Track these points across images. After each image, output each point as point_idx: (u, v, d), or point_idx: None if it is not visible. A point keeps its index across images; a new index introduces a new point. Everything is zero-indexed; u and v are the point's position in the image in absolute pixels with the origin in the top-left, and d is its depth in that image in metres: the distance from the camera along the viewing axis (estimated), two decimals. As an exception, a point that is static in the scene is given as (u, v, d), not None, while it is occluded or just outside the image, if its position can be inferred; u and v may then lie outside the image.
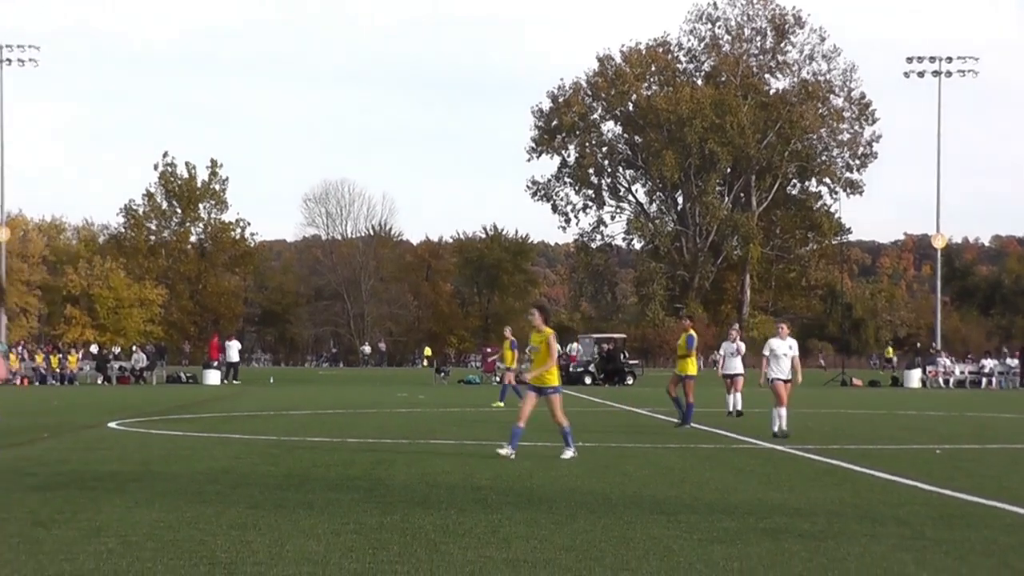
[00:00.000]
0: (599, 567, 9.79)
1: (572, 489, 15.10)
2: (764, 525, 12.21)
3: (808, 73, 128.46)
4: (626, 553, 10.46)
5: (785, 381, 24.29)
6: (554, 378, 19.51)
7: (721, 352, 32.51)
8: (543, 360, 19.39)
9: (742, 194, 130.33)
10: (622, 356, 68.50)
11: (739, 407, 31.30)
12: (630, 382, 64.81)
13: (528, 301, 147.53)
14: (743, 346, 32.71)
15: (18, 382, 66.45)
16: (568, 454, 19.11)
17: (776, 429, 24.05)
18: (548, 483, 15.86)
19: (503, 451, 19.17)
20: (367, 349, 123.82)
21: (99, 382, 68.15)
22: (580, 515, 12.73)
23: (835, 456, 20.00)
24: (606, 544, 10.92)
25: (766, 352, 24.76)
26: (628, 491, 15.04)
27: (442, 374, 70.96)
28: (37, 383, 66.51)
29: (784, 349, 24.55)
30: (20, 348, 77.23)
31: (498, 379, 69.16)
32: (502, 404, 37.43)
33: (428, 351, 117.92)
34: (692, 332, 28.51)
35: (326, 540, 11.00)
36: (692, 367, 27.92)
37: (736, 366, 31.60)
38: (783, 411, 24.14)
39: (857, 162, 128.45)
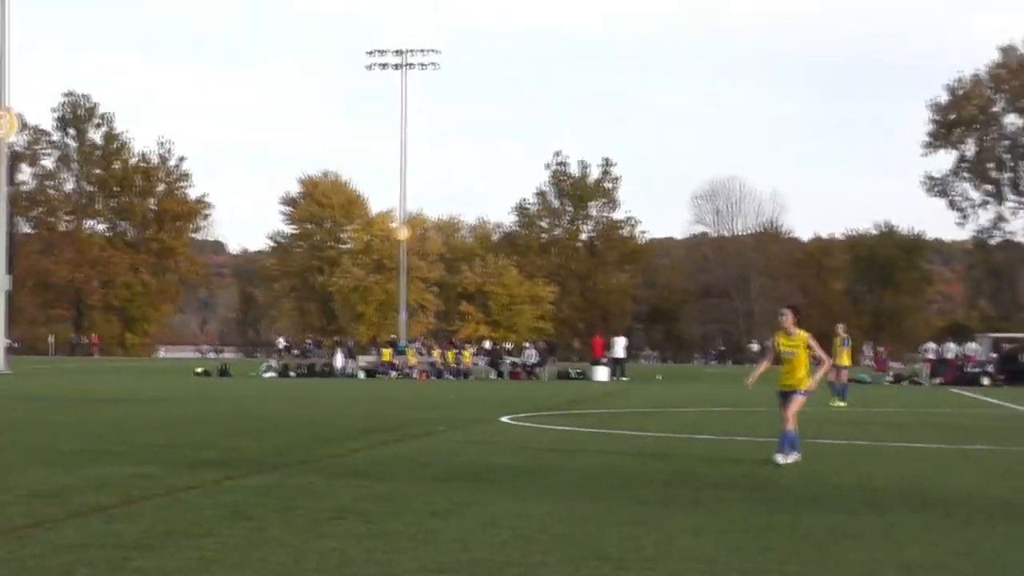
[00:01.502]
0: (998, 574, 9.38)
1: (970, 494, 14.55)
2: None
3: None
4: (1028, 562, 10.00)
5: None
6: (805, 381, 18.01)
7: None
8: (804, 363, 17.87)
9: None
10: (1022, 356, 65.76)
11: None
12: (1032, 383, 62.08)
13: (924, 299, 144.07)
14: None
15: (416, 376, 68.96)
16: (783, 459, 17.55)
17: None
18: (943, 486, 15.35)
19: (782, 459, 17.58)
20: (755, 347, 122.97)
21: (492, 377, 69.95)
22: (977, 520, 12.25)
23: None
24: (1005, 551, 10.47)
25: None
26: (1030, 497, 14.40)
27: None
28: (434, 377, 68.81)
29: None
30: (418, 344, 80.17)
31: (890, 378, 67.66)
32: (844, 403, 37.27)
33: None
34: None
35: (714, 539, 10.93)
36: None
37: None
38: None
39: None
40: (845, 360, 39.48)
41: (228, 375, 68.33)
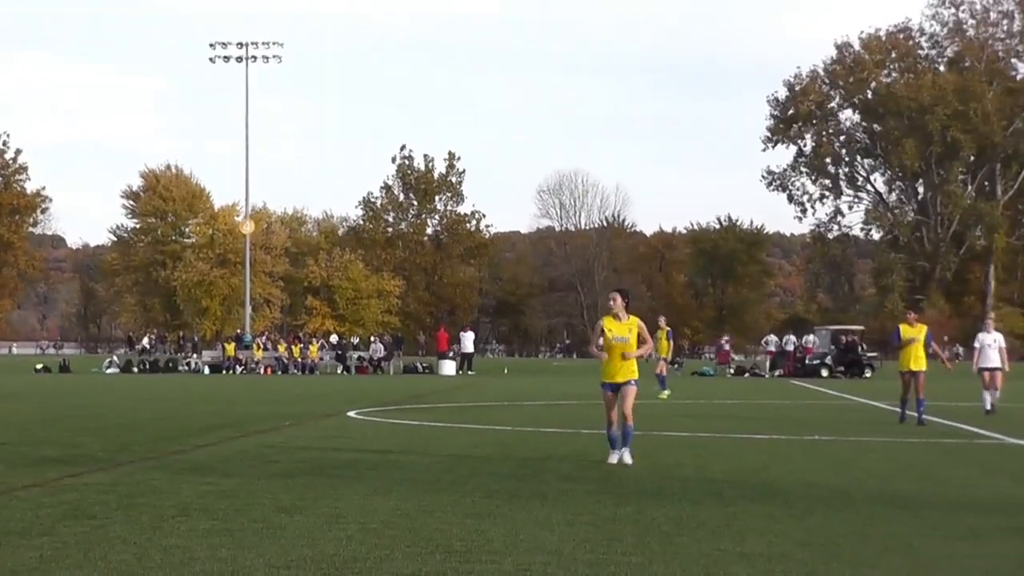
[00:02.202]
0: (837, 563, 9.59)
1: (809, 483, 14.84)
2: (1012, 523, 11.79)
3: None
4: (865, 549, 10.22)
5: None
6: (635, 370, 17.17)
7: (978, 344, 30.34)
8: (635, 351, 16.97)
9: (986, 182, 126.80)
10: (860, 348, 67.25)
11: (988, 404, 28.97)
12: (868, 375, 63.56)
13: (764, 292, 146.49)
14: (1002, 337, 30.77)
15: (262, 371, 68.33)
16: (616, 458, 16.86)
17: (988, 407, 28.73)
18: (784, 477, 15.63)
19: (613, 459, 16.85)
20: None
21: (338, 372, 69.61)
22: (817, 510, 12.50)
23: (1086, 453, 19.24)
24: (844, 540, 10.69)
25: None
26: (867, 486, 14.71)
27: (676, 366, 70.61)
28: (279, 372, 68.26)
29: (989, 340, 29.65)
30: (263, 338, 79.48)
31: (732, 370, 68.74)
32: (665, 395, 37.51)
33: None
34: None
35: (560, 530, 11.00)
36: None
37: (996, 359, 29.94)
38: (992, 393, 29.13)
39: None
40: (665, 352, 40.02)
41: (69, 371, 67.08)
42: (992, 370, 29.49)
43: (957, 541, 10.71)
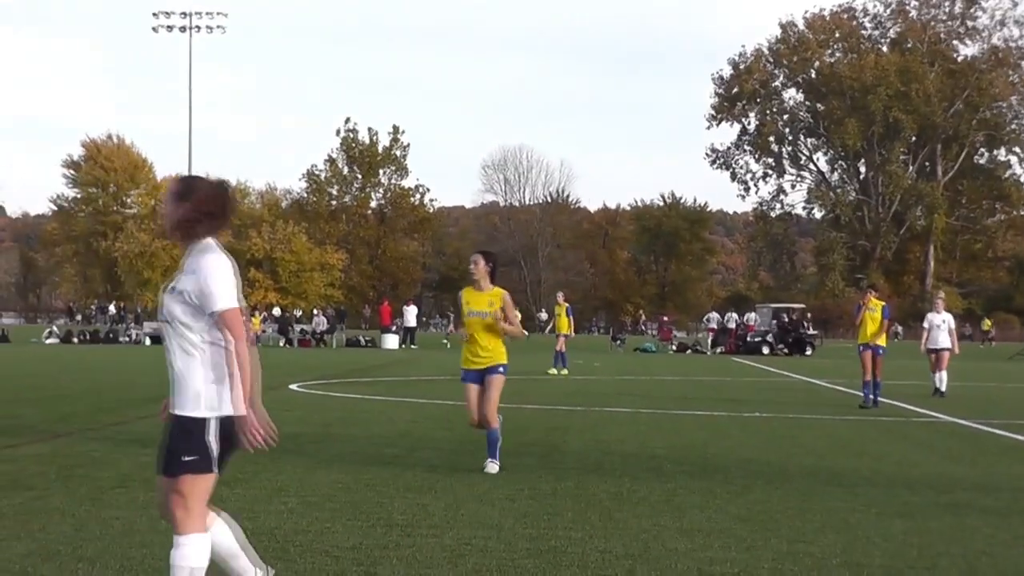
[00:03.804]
0: (775, 538, 9.69)
1: (748, 460, 14.96)
2: (945, 500, 11.95)
3: (999, 39, 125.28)
4: (802, 525, 10.33)
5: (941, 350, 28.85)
6: (503, 353, 14.03)
7: (927, 324, 29.91)
8: (497, 329, 13.77)
9: (927, 163, 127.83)
10: (802, 326, 67.69)
11: (943, 387, 28.51)
12: (809, 353, 64.01)
13: (707, 270, 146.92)
14: (951, 317, 29.85)
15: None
16: (494, 466, 13.48)
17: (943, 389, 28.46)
18: (723, 453, 15.74)
19: (494, 467, 13.49)
20: (543, 316, 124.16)
21: (281, 345, 69.38)
22: (756, 486, 12.61)
23: (1021, 432, 19.48)
24: (782, 515, 10.80)
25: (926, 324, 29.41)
26: (805, 463, 14.85)
27: (618, 342, 70.92)
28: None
29: (938, 321, 29.08)
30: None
31: (674, 347, 69.03)
32: (567, 371, 36.95)
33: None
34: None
35: (501, 505, 11.05)
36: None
37: (944, 340, 29.08)
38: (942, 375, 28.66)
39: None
40: (566, 329, 39.16)
41: (8, 341, 66.53)
42: (940, 351, 28.93)
43: (892, 517, 10.84)
